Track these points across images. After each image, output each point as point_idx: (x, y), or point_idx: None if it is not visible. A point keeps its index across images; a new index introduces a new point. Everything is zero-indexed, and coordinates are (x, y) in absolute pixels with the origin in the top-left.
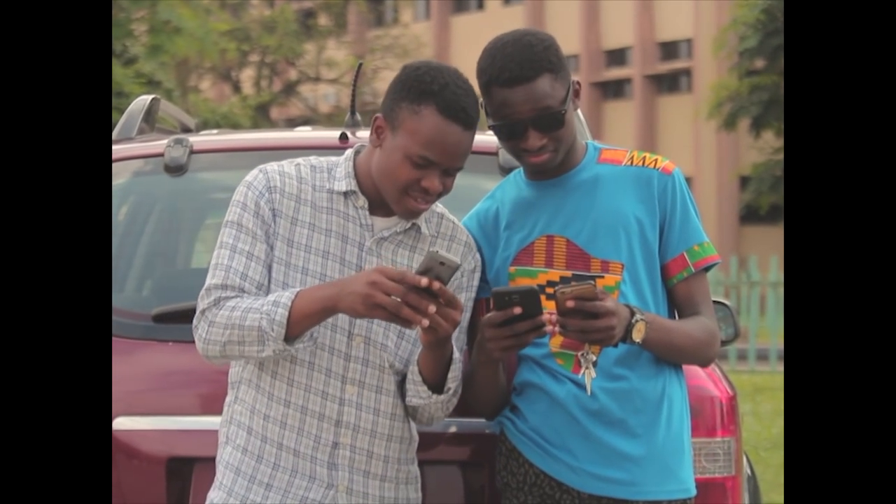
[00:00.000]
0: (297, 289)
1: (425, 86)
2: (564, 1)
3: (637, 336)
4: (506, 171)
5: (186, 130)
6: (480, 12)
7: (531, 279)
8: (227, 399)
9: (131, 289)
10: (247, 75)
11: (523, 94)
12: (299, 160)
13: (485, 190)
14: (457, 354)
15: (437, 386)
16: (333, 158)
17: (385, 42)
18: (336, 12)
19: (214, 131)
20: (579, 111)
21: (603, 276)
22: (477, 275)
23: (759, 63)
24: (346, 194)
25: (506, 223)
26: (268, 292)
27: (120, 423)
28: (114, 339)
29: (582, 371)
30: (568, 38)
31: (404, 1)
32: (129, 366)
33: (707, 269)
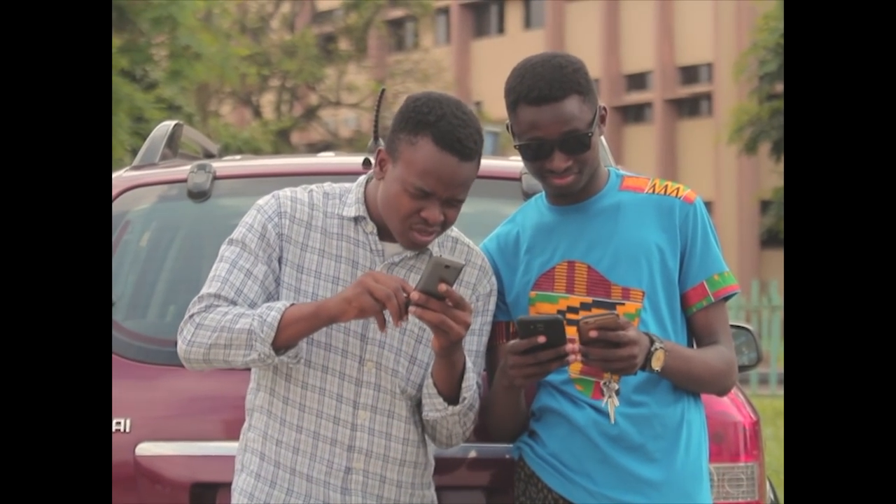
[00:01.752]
0: (288, 301)
1: (422, 116)
2: (585, 25)
3: (656, 364)
4: (529, 196)
5: (209, 156)
6: (501, 36)
7: (551, 304)
8: (243, 427)
9: (154, 315)
10: (267, 100)
11: (551, 114)
12: (313, 186)
13: (508, 215)
14: (469, 364)
15: (452, 397)
16: (347, 185)
17: (405, 66)
18: (357, 37)
19: (237, 157)
20: (603, 137)
21: (623, 304)
22: (493, 298)
23: (780, 87)
24: (355, 220)
25: (526, 247)
26: None
27: (144, 449)
28: (138, 364)
29: (605, 400)
30: (588, 62)
31: (425, 25)
32: (153, 391)
33: (727, 298)
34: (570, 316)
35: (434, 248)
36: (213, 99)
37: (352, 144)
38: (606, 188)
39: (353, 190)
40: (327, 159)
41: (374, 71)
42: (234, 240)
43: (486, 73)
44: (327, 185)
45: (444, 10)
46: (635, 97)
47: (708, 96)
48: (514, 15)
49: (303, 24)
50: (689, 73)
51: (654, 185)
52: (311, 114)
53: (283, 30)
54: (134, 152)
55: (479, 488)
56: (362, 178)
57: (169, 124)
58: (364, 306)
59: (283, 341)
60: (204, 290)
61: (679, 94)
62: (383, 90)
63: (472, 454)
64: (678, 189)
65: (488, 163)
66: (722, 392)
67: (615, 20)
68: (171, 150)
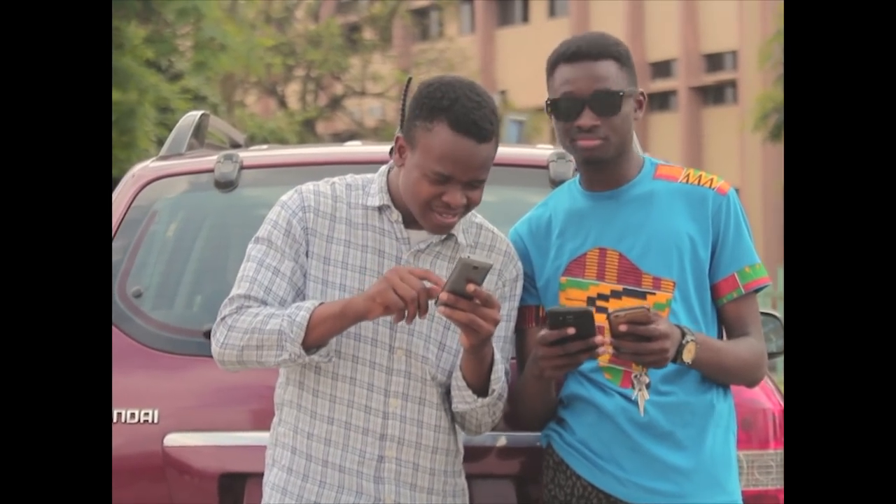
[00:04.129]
0: (317, 300)
1: (436, 102)
2: (610, 13)
3: (687, 357)
4: (556, 184)
5: (236, 146)
6: (525, 25)
7: (582, 290)
8: (273, 422)
9: (181, 305)
10: (292, 90)
11: (584, 71)
12: (335, 179)
13: (535, 203)
14: (498, 355)
15: (481, 389)
16: (369, 175)
17: (430, 56)
18: (381, 26)
19: (264, 147)
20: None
21: (654, 293)
22: (519, 283)
23: None
24: (380, 209)
25: (558, 231)
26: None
27: (172, 440)
28: (165, 355)
29: (635, 393)
30: None
31: (449, 14)
32: (181, 382)
33: (757, 290)
34: (600, 304)
35: (459, 235)
36: (238, 89)
37: (377, 134)
38: (640, 176)
39: (376, 179)
40: (353, 148)
41: (398, 60)
42: (260, 238)
43: (510, 62)
44: (349, 177)
45: None
46: (660, 85)
47: (733, 84)
48: (538, 4)
49: (327, 14)
50: (714, 61)
51: (687, 175)
52: (336, 103)
53: (308, 20)
54: (160, 142)
55: (508, 477)
56: (384, 168)
57: (195, 114)
58: (389, 303)
59: (314, 340)
60: (234, 292)
61: (704, 81)
62: (409, 79)
63: (502, 443)
64: (712, 180)
65: (515, 151)
66: (752, 384)
67: (640, 7)
68: (197, 140)
